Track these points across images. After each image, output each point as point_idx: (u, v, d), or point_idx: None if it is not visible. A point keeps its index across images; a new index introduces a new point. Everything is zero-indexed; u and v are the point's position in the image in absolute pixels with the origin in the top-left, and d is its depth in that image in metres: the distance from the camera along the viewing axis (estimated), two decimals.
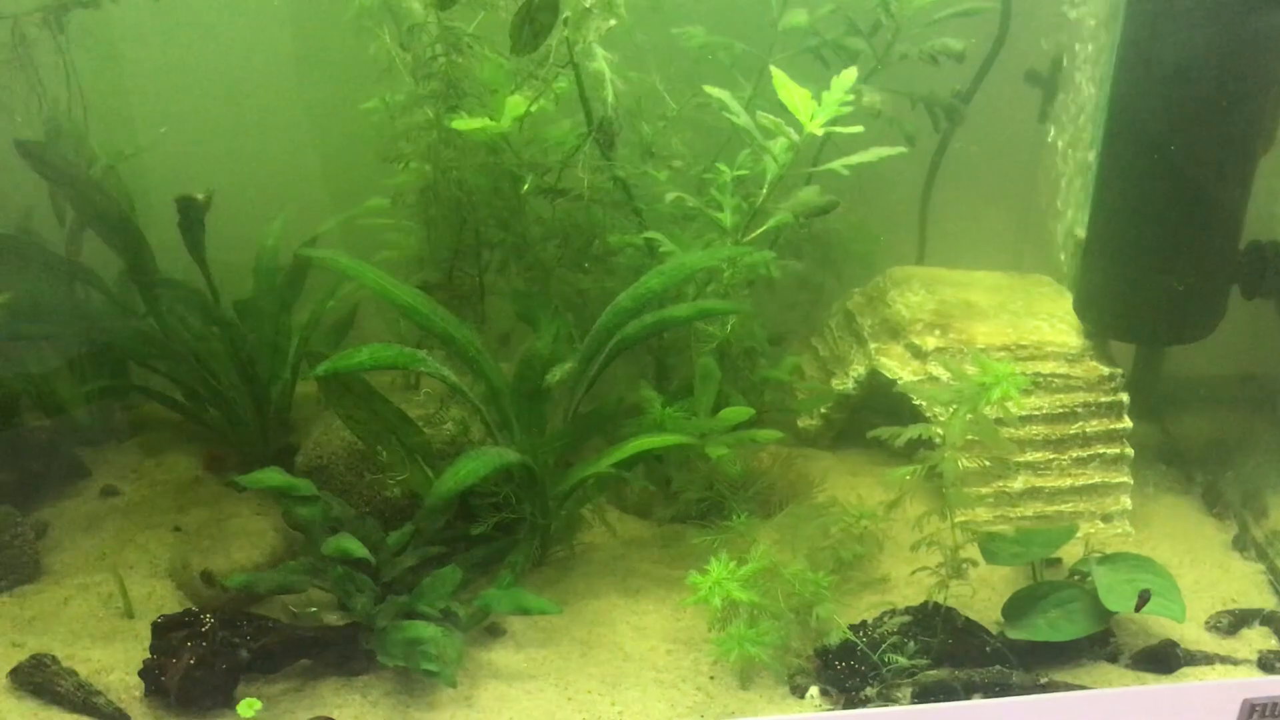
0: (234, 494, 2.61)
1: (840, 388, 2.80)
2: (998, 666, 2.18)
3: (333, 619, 2.24)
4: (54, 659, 2.16)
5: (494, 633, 2.30)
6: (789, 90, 2.20)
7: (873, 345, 2.76)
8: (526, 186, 2.46)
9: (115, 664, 2.19)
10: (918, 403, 2.56)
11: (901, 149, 2.31)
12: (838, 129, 2.25)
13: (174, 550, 2.48)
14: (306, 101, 2.80)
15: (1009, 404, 2.16)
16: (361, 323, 2.79)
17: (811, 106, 2.19)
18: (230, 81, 2.79)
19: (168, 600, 2.37)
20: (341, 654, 2.19)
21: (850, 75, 2.20)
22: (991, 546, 2.27)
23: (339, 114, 2.72)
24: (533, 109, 2.32)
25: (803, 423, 2.86)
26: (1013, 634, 2.21)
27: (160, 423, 2.88)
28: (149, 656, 2.12)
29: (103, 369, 2.73)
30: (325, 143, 2.81)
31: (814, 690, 2.18)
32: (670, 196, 2.34)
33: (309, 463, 2.47)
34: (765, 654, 2.13)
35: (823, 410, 2.83)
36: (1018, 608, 2.25)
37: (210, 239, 2.52)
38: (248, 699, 2.08)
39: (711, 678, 2.22)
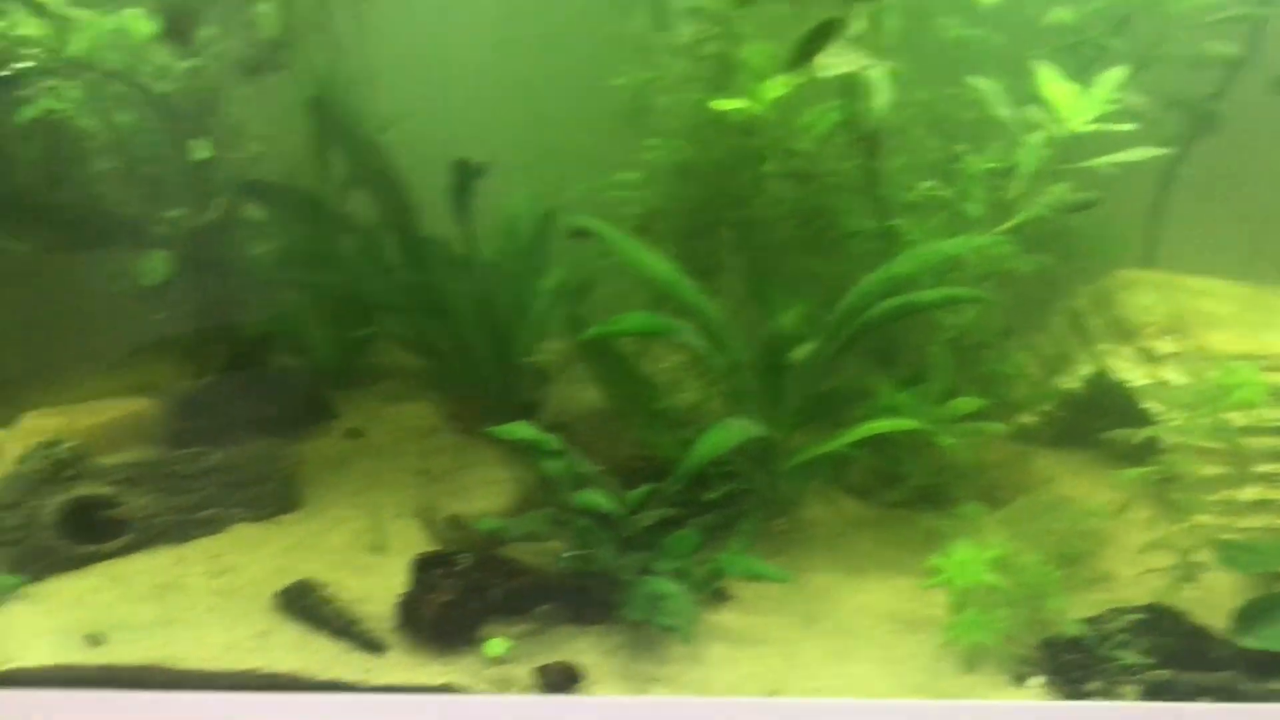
0: (472, 445, 2.75)
1: (1066, 386, 2.80)
2: (1229, 672, 2.17)
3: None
4: (318, 585, 2.32)
5: (720, 597, 2.38)
6: (1055, 86, 2.22)
7: (1101, 346, 2.76)
8: (770, 167, 2.52)
9: (369, 595, 2.33)
10: (1148, 406, 2.55)
11: (1162, 150, 2.31)
12: (1100, 127, 2.25)
13: (419, 493, 2.62)
14: (556, 74, 2.91)
15: (1252, 409, 2.15)
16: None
17: (1078, 103, 2.20)
18: (486, 52, 2.91)
19: (413, 539, 2.52)
20: (579, 603, 2.29)
21: (1119, 74, 2.20)
22: (1231, 553, 2.26)
23: (586, 88, 2.83)
24: (789, 94, 2.39)
25: (1026, 419, 2.87)
26: (1246, 642, 2.20)
27: (401, 372, 3.04)
28: (406, 590, 2.25)
29: (353, 317, 2.90)
30: (570, 115, 2.91)
31: (1036, 680, 2.20)
32: (924, 185, 2.37)
33: (551, 420, 2.59)
34: (997, 640, 2.16)
35: (1046, 408, 2.84)
36: (1252, 616, 2.24)
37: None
38: (496, 638, 2.20)
39: (936, 659, 2.26)
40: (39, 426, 2.62)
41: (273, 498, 2.55)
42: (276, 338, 2.86)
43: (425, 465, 2.72)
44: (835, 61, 2.00)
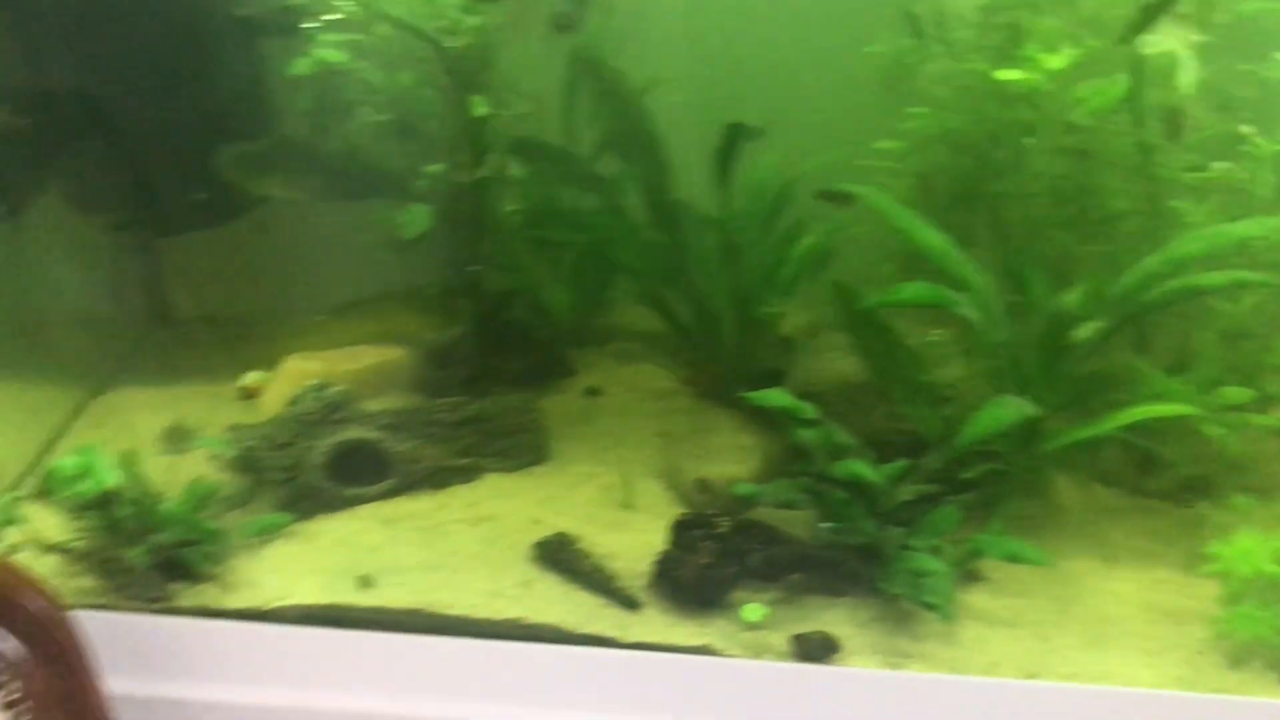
0: (710, 409, 2.76)
1: None
2: None
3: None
4: (574, 539, 2.36)
5: (972, 577, 2.35)
6: None
7: None
8: (1042, 141, 2.45)
9: (620, 551, 2.37)
10: None
11: None
12: None
13: (662, 454, 2.64)
14: (815, 40, 2.87)
15: None
16: None
17: None
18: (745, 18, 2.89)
19: (658, 499, 2.54)
20: (830, 574, 2.28)
21: None
22: None
23: (844, 55, 2.78)
24: (1075, 68, 2.31)
25: None
26: None
27: (636, 334, 3.06)
28: (665, 549, 2.28)
29: (595, 277, 2.94)
30: (826, 82, 2.87)
31: None
32: (1217, 166, 2.28)
33: (799, 389, 2.57)
34: (1276, 636, 2.09)
35: None
36: None
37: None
38: (753, 604, 2.21)
39: (1199, 652, 2.19)
40: (300, 370, 2.72)
41: (526, 449, 2.61)
42: (520, 294, 2.90)
43: (665, 427, 2.74)
44: (1159, 36, 1.92)
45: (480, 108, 2.49)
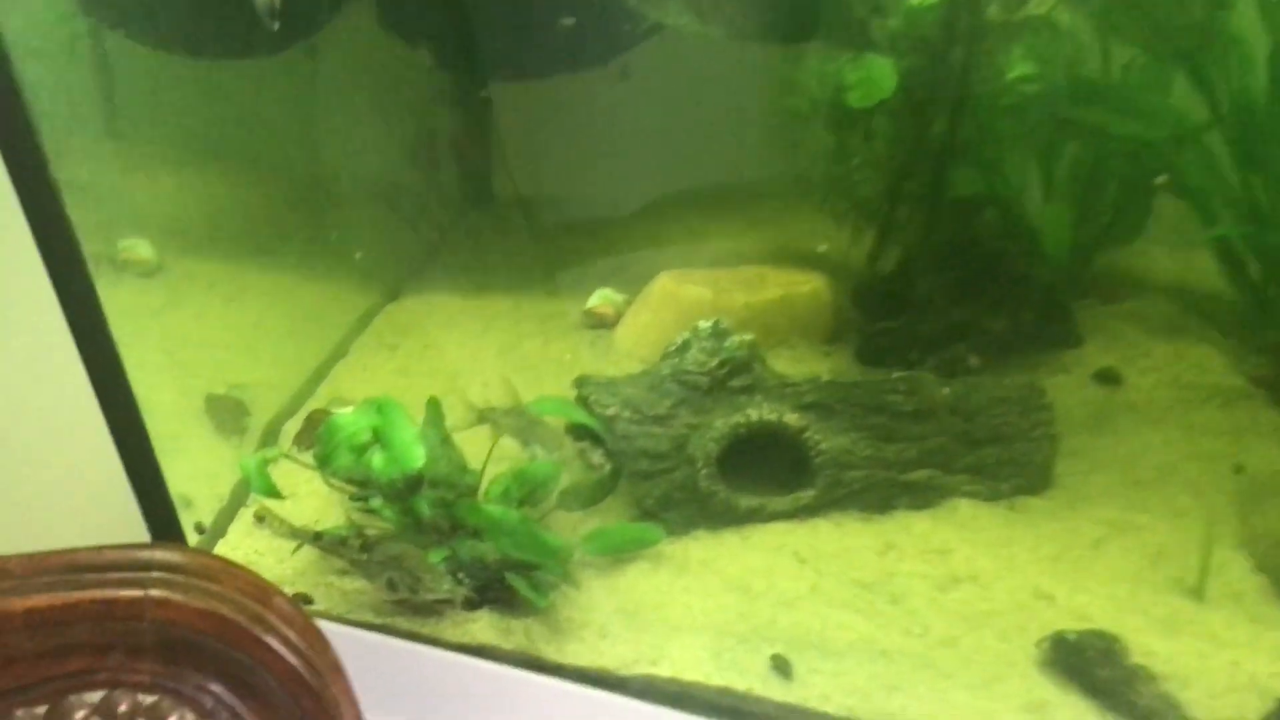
0: None
1: None
2: None
3: None
4: (1115, 642, 1.39)
5: None
6: None
7: None
8: None
9: (1193, 674, 1.38)
10: None
11: None
12: None
13: (1245, 505, 1.62)
14: None
15: None
16: None
17: None
18: None
19: (1243, 582, 1.53)
20: None
21: None
22: None
23: None
24: None
25: None
26: None
27: (1172, 291, 2.02)
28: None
29: (1125, 197, 1.90)
30: None
31: None
32: None
33: None
34: None
35: None
36: None
37: None
38: None
39: None
40: (675, 295, 1.83)
41: (1018, 466, 1.64)
42: (998, 210, 1.90)
43: (1238, 455, 1.70)
44: None
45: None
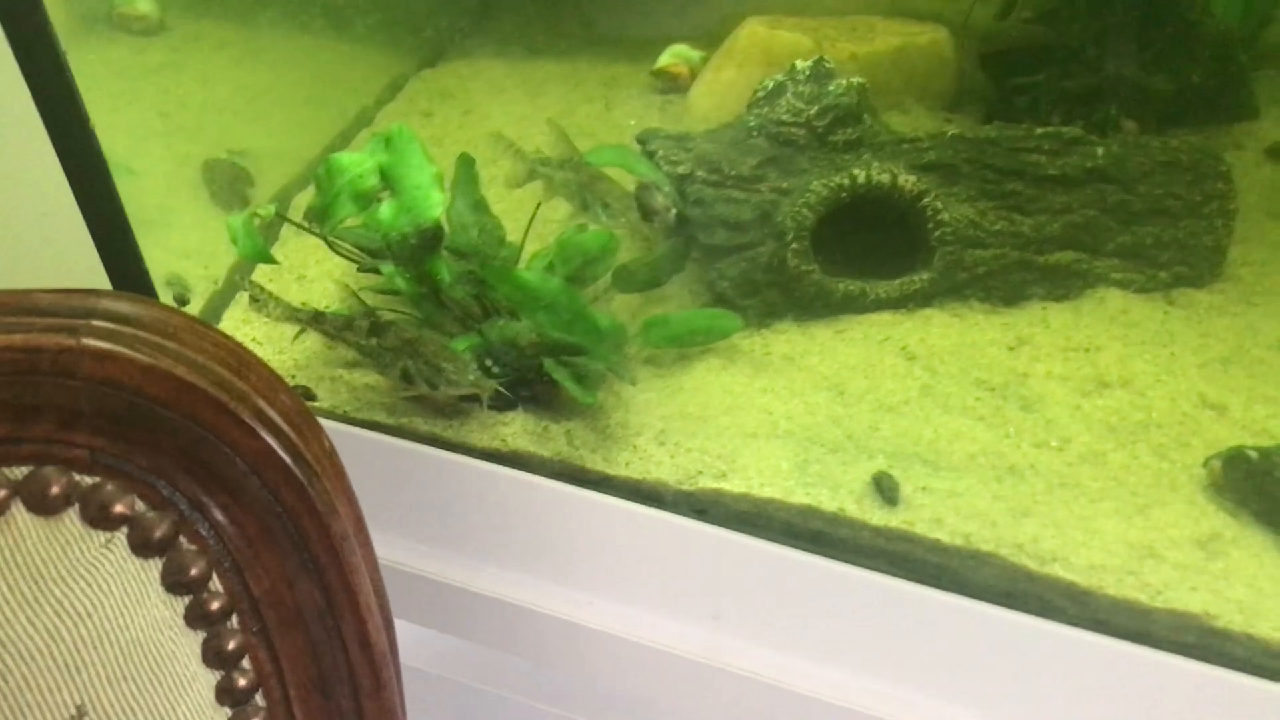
0: None
1: None
2: None
3: None
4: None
5: None
6: None
7: None
8: None
9: None
10: None
11: None
12: None
13: None
14: None
15: None
16: None
17: None
18: None
19: None
20: None
21: None
22: None
23: None
24: None
25: None
26: None
27: None
28: None
29: None
30: None
31: None
32: None
33: None
34: None
35: None
36: None
37: None
38: None
39: None
40: (767, 42, 1.50)
41: (1179, 251, 1.31)
42: None
43: None
44: None
45: None
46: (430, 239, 1.07)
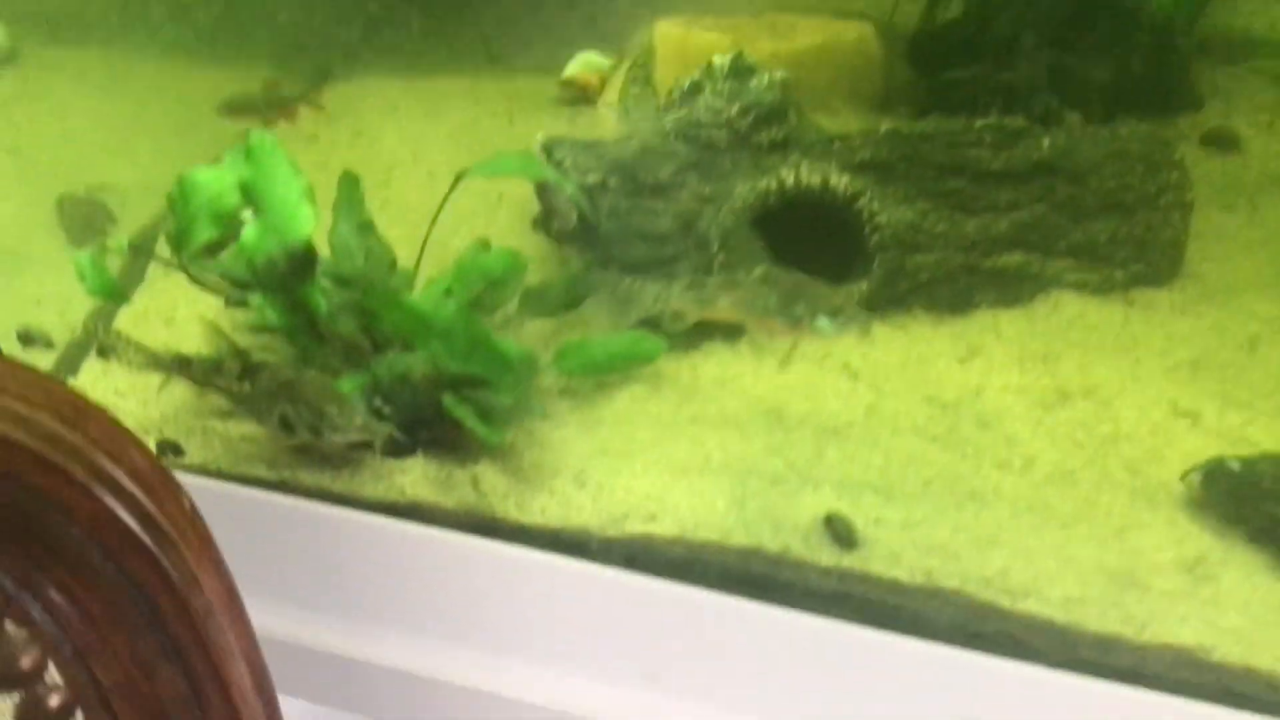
0: None
1: None
2: None
3: None
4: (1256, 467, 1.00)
5: None
6: None
7: None
8: None
9: None
10: None
11: None
12: None
13: None
14: None
15: None
16: None
17: None
18: None
19: None
20: None
21: None
22: None
23: None
24: None
25: None
26: None
27: None
28: None
29: None
30: None
31: None
32: None
33: None
34: None
35: None
36: None
37: None
38: None
39: None
40: (684, 47, 1.39)
41: (1135, 248, 1.22)
42: None
43: None
44: None
45: None
46: (301, 262, 0.93)
